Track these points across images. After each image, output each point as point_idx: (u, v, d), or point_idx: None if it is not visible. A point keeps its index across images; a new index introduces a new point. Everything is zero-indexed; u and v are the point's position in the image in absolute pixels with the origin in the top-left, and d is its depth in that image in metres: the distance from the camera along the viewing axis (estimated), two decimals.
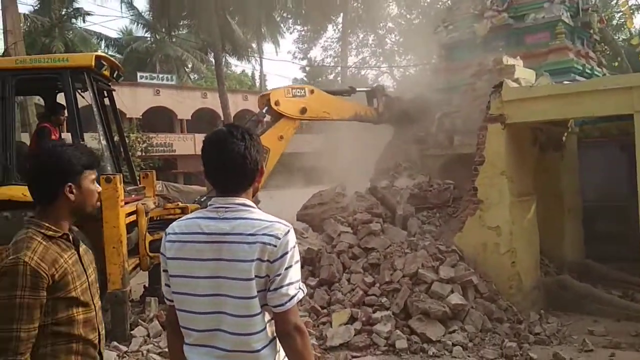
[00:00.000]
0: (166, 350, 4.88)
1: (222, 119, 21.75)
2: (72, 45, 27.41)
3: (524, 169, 7.39)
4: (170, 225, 1.96)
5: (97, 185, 2.12)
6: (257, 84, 41.44)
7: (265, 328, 1.81)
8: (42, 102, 7.73)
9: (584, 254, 8.80)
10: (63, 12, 28.27)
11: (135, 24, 34.59)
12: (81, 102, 6.55)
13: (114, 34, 42.02)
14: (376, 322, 5.91)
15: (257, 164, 1.89)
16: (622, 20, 21.74)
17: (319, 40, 35.25)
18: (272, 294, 1.78)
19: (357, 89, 9.29)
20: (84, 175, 2.04)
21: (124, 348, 5.46)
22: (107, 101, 7.08)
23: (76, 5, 29.34)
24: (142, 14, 32.29)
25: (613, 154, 8.95)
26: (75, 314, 1.97)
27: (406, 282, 6.28)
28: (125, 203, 5.96)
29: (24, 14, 23.85)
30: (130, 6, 32.56)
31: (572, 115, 7.39)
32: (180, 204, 7.17)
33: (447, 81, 10.44)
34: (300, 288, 1.84)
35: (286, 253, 1.78)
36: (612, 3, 22.72)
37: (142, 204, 6.52)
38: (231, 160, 1.84)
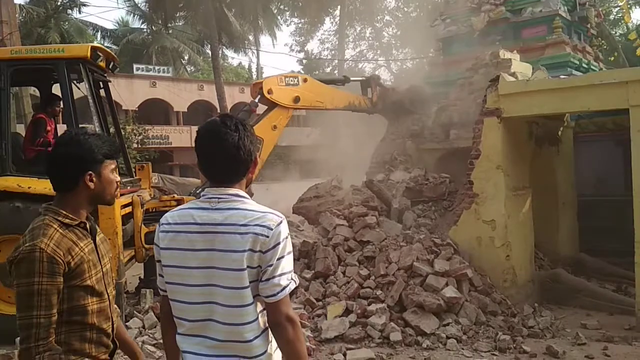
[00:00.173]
0: (161, 341, 4.89)
1: (219, 111, 21.72)
2: (67, 36, 27.32)
3: (520, 163, 7.40)
4: (164, 216, 1.96)
5: (117, 175, 2.12)
6: (254, 77, 41.32)
7: (257, 318, 1.82)
8: (37, 93, 7.70)
9: (579, 248, 8.84)
10: (59, 3, 28.04)
11: (132, 15, 34.53)
12: (77, 94, 6.53)
13: (110, 25, 41.92)
14: (371, 315, 5.92)
15: (250, 154, 1.88)
16: (620, 15, 21.73)
17: (316, 33, 35.25)
18: (264, 285, 1.78)
19: (352, 79, 9.28)
20: (105, 164, 2.04)
21: None
22: (102, 92, 7.07)
23: None
24: (139, 5, 32.19)
25: (609, 149, 8.97)
26: (90, 303, 1.97)
27: (401, 275, 6.30)
28: (121, 195, 5.96)
29: (20, 5, 23.79)
30: None
31: (568, 109, 7.41)
32: (176, 196, 7.20)
33: (444, 74, 10.45)
34: (292, 279, 1.84)
35: (278, 244, 1.78)
36: None
37: (138, 196, 6.52)
38: (225, 151, 1.83)
